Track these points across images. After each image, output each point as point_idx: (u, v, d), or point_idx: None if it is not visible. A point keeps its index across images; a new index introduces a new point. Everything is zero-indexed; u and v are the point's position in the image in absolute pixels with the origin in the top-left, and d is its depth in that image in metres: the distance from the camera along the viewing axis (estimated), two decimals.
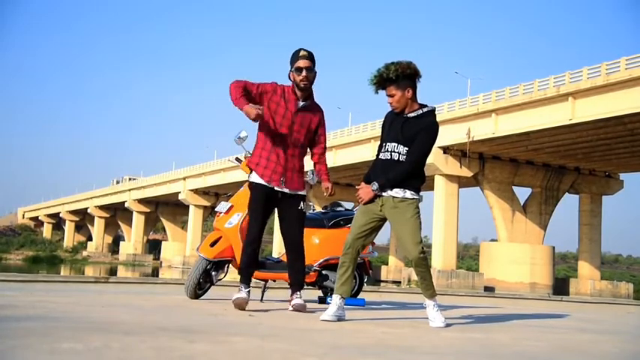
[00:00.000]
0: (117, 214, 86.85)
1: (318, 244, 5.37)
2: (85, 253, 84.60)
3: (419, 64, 3.76)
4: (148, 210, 77.44)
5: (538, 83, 33.03)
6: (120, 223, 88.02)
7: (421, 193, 3.82)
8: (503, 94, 34.79)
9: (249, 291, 4.19)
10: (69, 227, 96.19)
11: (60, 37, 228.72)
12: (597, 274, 43.29)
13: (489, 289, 34.57)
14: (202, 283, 5.02)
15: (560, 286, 41.58)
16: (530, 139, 35.11)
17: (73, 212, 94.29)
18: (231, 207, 4.93)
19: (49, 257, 73.31)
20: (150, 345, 2.19)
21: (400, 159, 3.68)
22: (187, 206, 66.55)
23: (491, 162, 39.40)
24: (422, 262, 3.68)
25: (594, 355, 2.78)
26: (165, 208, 76.99)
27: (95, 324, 2.80)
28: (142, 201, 75.79)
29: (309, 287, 5.69)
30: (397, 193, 3.69)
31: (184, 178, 64.77)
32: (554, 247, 41.96)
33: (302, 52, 4.08)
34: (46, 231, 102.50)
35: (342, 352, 2.31)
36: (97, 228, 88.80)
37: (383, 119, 3.93)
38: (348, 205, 6.18)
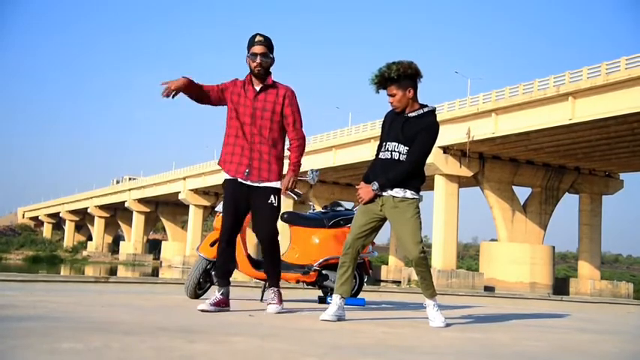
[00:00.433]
0: (117, 213, 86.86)
1: (318, 244, 5.37)
2: (85, 253, 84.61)
3: (419, 64, 3.76)
4: (148, 210, 77.45)
5: (538, 83, 33.03)
6: (120, 222, 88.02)
7: (421, 193, 3.82)
8: (503, 94, 34.80)
9: (223, 292, 4.01)
10: (69, 227, 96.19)
11: (60, 37, 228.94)
12: (597, 273, 43.30)
13: (489, 289, 34.57)
14: (202, 282, 5.02)
15: (560, 286, 41.58)
16: (530, 139, 35.11)
17: (73, 212, 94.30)
18: None
19: (49, 257, 73.35)
20: (150, 345, 2.19)
21: (400, 158, 3.68)
22: (187, 206, 66.55)
23: (491, 162, 39.41)
24: (422, 261, 3.68)
25: (594, 355, 2.78)
26: (165, 208, 76.99)
27: (95, 324, 2.80)
28: (141, 201, 75.80)
29: (309, 287, 5.69)
30: (397, 192, 3.69)
31: (184, 178, 64.77)
32: (554, 247, 41.98)
33: (257, 38, 3.97)
34: (46, 231, 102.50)
35: (342, 352, 2.31)
36: (97, 228, 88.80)
37: (383, 119, 3.93)
38: (348, 205, 6.18)
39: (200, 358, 1.96)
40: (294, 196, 5.49)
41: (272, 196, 4.02)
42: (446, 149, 37.33)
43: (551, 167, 41.37)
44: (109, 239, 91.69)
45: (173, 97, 3.84)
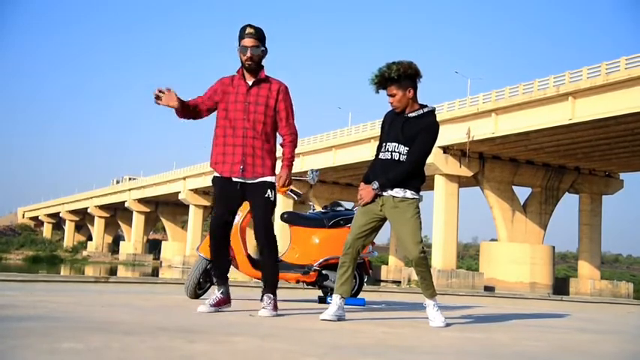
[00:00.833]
0: (117, 213, 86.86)
1: (318, 243, 5.37)
2: (85, 253, 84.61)
3: (419, 64, 3.76)
4: (148, 210, 77.46)
5: (538, 83, 33.03)
6: (120, 222, 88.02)
7: (421, 193, 3.83)
8: (503, 94, 34.80)
9: (223, 292, 3.97)
10: (69, 227, 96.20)
11: (60, 37, 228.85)
12: (597, 273, 43.30)
13: (489, 289, 34.56)
14: (202, 282, 5.03)
15: (560, 286, 41.59)
16: (530, 139, 35.12)
17: (73, 212, 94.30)
18: None
19: (49, 257, 73.34)
20: (150, 345, 2.19)
21: (400, 159, 3.68)
22: (187, 206, 66.56)
23: (491, 162, 39.41)
24: (422, 261, 3.69)
25: (594, 355, 2.78)
26: (165, 208, 76.99)
27: (95, 324, 2.80)
28: (141, 201, 75.80)
29: (309, 287, 5.69)
30: (397, 192, 3.70)
31: (184, 178, 64.77)
32: (554, 247, 41.98)
33: (247, 30, 3.84)
34: (46, 231, 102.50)
35: (342, 352, 2.31)
36: (97, 228, 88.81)
37: (382, 119, 3.92)
38: (348, 205, 6.18)
39: (200, 358, 1.96)
40: (294, 196, 5.49)
41: (268, 190, 3.91)
42: (446, 149, 37.33)
43: (551, 167, 41.38)
44: (109, 239, 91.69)
45: (159, 101, 3.78)
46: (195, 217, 64.59)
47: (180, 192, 64.98)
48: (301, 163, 47.33)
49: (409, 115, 3.74)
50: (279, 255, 5.36)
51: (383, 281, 47.26)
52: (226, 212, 3.93)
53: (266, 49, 3.93)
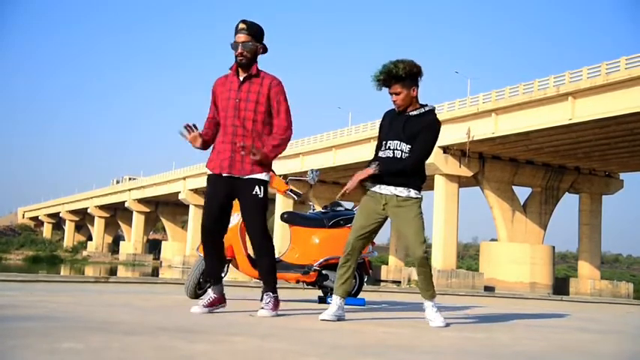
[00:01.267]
0: (117, 214, 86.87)
1: (318, 244, 5.37)
2: (85, 253, 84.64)
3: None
4: (148, 210, 77.48)
5: (538, 83, 33.05)
6: (120, 223, 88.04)
7: (422, 193, 3.83)
8: (503, 94, 34.81)
9: (217, 290, 3.91)
10: (69, 227, 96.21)
11: (60, 37, 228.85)
12: (597, 273, 43.31)
13: (489, 289, 34.57)
14: (202, 282, 5.03)
15: (560, 286, 41.60)
16: (530, 139, 35.13)
17: (73, 212, 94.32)
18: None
19: (49, 257, 73.38)
20: (150, 345, 2.19)
21: (402, 157, 3.67)
22: (187, 206, 66.56)
23: (491, 162, 39.42)
24: (425, 261, 3.69)
25: (594, 355, 2.78)
26: (165, 208, 77.01)
27: (95, 324, 2.80)
28: (141, 201, 75.81)
29: (309, 287, 5.69)
30: (401, 192, 3.69)
31: (184, 178, 64.78)
32: (554, 247, 42.00)
33: (240, 25, 3.78)
34: (46, 231, 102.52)
35: (342, 352, 2.31)
36: (97, 228, 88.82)
37: (381, 118, 3.91)
38: (348, 205, 6.18)
39: (200, 358, 1.96)
40: (294, 196, 5.49)
41: (256, 187, 3.80)
42: (446, 149, 37.33)
43: (551, 167, 41.39)
44: (109, 239, 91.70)
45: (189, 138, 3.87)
46: (195, 217, 64.58)
47: (180, 192, 64.99)
48: (301, 163, 47.34)
49: (410, 113, 3.74)
50: (279, 255, 5.37)
51: (383, 281, 47.25)
52: (214, 210, 3.85)
53: (263, 45, 3.87)
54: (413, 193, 3.70)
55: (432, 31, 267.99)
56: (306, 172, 5.62)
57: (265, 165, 3.84)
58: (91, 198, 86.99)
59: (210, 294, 3.91)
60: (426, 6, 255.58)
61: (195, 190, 63.49)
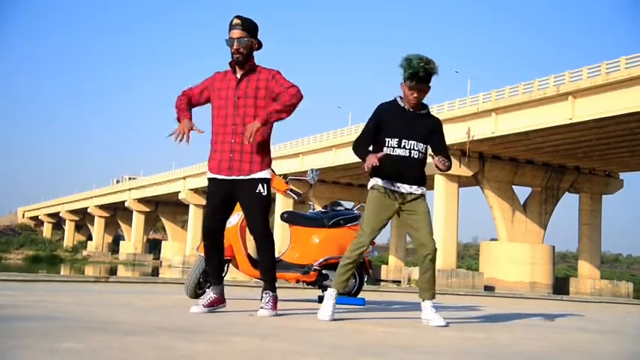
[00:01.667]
0: (117, 213, 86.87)
1: (318, 243, 5.37)
2: (85, 253, 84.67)
3: None
4: (148, 209, 77.47)
5: (538, 83, 33.05)
6: (120, 222, 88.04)
7: None
8: (503, 94, 34.81)
9: (217, 290, 3.90)
10: (69, 227, 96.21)
11: (60, 37, 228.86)
12: (597, 273, 43.32)
13: (489, 289, 34.58)
14: (202, 282, 5.03)
15: (560, 286, 41.61)
16: (530, 139, 35.13)
17: (73, 212, 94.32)
18: None
19: (49, 257, 73.43)
20: (150, 345, 2.19)
21: (419, 157, 3.75)
22: (187, 206, 66.57)
23: (491, 161, 39.42)
24: (435, 256, 3.74)
25: (594, 355, 2.78)
26: (165, 208, 77.01)
27: (95, 324, 2.79)
28: (141, 200, 75.80)
29: (309, 287, 5.68)
30: (416, 190, 3.75)
31: (184, 178, 64.78)
32: (554, 247, 42.00)
33: (235, 21, 3.74)
34: (46, 231, 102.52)
35: (342, 352, 2.31)
36: (97, 227, 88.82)
37: (377, 112, 3.77)
38: (348, 205, 6.17)
39: (200, 358, 1.96)
40: (294, 196, 5.49)
41: (260, 186, 3.76)
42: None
43: (551, 167, 41.40)
44: (109, 239, 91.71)
45: (188, 142, 3.76)
46: (195, 217, 64.59)
47: (180, 192, 64.99)
48: (301, 162, 47.36)
49: (418, 112, 3.76)
50: (280, 255, 5.37)
51: (383, 281, 47.27)
52: (216, 211, 3.84)
53: (258, 40, 3.83)
54: (423, 190, 3.80)
55: (432, 31, 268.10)
56: (306, 171, 5.62)
57: (264, 163, 3.80)
58: (91, 198, 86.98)
59: (210, 294, 3.91)
60: (426, 6, 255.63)
61: (196, 190, 63.49)
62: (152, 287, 7.57)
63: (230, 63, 3.86)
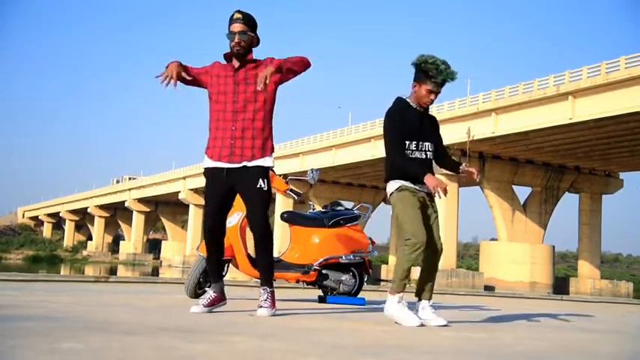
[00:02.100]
0: (117, 213, 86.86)
1: (318, 243, 5.37)
2: (85, 253, 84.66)
3: None
4: (148, 209, 77.47)
5: (538, 82, 33.04)
6: (120, 222, 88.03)
7: None
8: (503, 94, 34.81)
9: (217, 289, 3.89)
10: (69, 227, 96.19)
11: (60, 37, 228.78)
12: (597, 273, 43.32)
13: (489, 289, 34.57)
14: (202, 282, 5.03)
15: (560, 286, 41.61)
16: (530, 139, 35.13)
17: (73, 212, 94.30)
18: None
19: (49, 257, 73.42)
20: (150, 345, 2.19)
21: (431, 157, 3.81)
22: (187, 205, 66.56)
23: (491, 161, 39.42)
24: (440, 257, 3.76)
25: (594, 354, 2.78)
26: (165, 208, 77.00)
27: (95, 324, 2.79)
28: (141, 200, 75.80)
29: (309, 287, 5.69)
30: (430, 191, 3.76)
31: (184, 178, 64.77)
32: (554, 247, 42.00)
33: (235, 15, 3.75)
34: (46, 230, 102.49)
35: (342, 352, 2.31)
36: (97, 227, 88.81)
37: (399, 114, 3.72)
38: (348, 205, 6.18)
39: (200, 358, 1.96)
40: (294, 196, 5.49)
41: (260, 180, 3.71)
42: (446, 149, 37.31)
43: (551, 167, 41.40)
44: (109, 239, 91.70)
45: (175, 85, 3.67)
46: (195, 217, 64.58)
47: (180, 192, 64.98)
48: (301, 162, 47.36)
49: (421, 111, 3.79)
50: (280, 255, 5.37)
51: (383, 281, 47.17)
52: (217, 211, 3.82)
53: (257, 36, 3.85)
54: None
55: (432, 31, 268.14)
56: (306, 171, 5.62)
57: (266, 148, 3.76)
58: (91, 198, 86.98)
59: (210, 293, 3.90)
60: (426, 6, 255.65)
61: (195, 190, 63.47)
62: (152, 287, 7.57)
63: (225, 55, 3.85)
